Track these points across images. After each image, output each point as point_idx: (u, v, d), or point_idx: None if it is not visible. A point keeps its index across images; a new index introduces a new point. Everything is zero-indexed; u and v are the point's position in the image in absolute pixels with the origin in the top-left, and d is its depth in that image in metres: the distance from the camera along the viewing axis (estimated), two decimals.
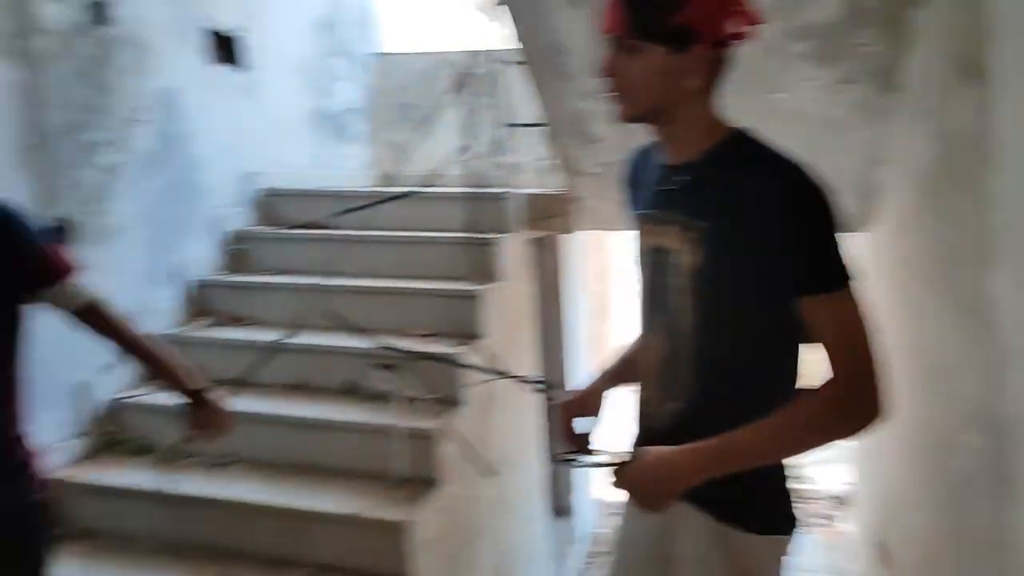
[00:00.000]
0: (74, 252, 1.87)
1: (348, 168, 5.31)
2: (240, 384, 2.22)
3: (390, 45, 5.95)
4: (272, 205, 4.35)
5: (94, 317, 1.88)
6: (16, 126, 2.85)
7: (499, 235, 3.75)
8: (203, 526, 2.79)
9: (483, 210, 3.74)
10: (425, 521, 2.79)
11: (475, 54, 4.07)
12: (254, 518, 2.79)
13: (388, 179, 5.30)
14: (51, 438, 2.79)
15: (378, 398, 3.21)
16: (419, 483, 2.92)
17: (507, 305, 3.78)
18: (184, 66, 3.78)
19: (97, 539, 2.88)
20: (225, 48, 4.14)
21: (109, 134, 3.29)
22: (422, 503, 2.82)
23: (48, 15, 2.99)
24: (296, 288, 3.72)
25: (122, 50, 3.37)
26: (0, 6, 2.80)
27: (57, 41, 3.04)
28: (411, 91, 5.54)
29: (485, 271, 3.63)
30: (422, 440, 2.94)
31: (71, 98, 3.10)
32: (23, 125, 2.87)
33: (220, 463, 3.06)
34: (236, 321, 3.69)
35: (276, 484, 2.93)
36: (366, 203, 3.51)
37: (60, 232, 2.95)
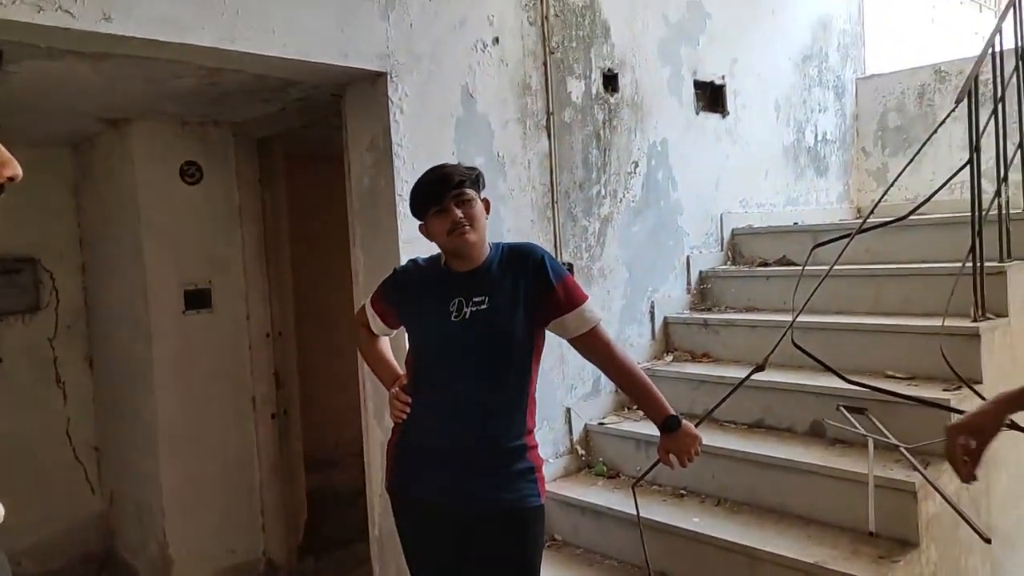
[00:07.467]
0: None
1: (822, 202, 5.09)
2: (700, 419, 2.29)
3: (876, 65, 5.55)
4: (741, 243, 4.40)
5: (594, 341, 2.10)
6: (541, 187, 3.43)
7: (1006, 263, 3.26)
8: (660, 552, 2.88)
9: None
10: None
11: (983, 58, 3.47)
12: (707, 551, 2.81)
13: (864, 211, 4.92)
14: (546, 453, 3.18)
15: (845, 443, 2.99)
16: (892, 541, 2.65)
17: (1012, 346, 3.18)
18: (673, 119, 4.11)
19: (568, 550, 3.20)
20: (710, 97, 4.38)
21: (607, 187, 3.73)
22: (896, 564, 2.53)
23: (573, 91, 3.57)
24: (759, 325, 3.67)
25: (624, 111, 3.83)
26: (540, 89, 3.43)
27: (577, 112, 3.59)
28: (896, 113, 5.10)
29: (983, 306, 3.14)
30: (900, 493, 2.66)
31: (582, 159, 3.62)
32: (546, 185, 3.45)
33: (677, 494, 3.15)
34: (699, 357, 3.79)
35: (730, 520, 2.92)
36: (838, 236, 3.28)
37: (570, 271, 3.39)
